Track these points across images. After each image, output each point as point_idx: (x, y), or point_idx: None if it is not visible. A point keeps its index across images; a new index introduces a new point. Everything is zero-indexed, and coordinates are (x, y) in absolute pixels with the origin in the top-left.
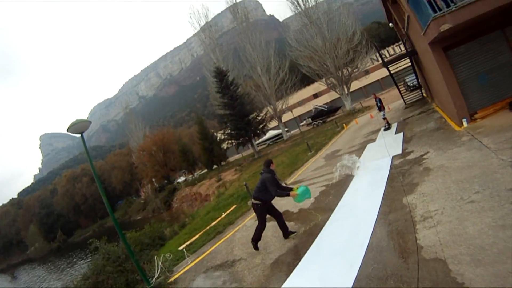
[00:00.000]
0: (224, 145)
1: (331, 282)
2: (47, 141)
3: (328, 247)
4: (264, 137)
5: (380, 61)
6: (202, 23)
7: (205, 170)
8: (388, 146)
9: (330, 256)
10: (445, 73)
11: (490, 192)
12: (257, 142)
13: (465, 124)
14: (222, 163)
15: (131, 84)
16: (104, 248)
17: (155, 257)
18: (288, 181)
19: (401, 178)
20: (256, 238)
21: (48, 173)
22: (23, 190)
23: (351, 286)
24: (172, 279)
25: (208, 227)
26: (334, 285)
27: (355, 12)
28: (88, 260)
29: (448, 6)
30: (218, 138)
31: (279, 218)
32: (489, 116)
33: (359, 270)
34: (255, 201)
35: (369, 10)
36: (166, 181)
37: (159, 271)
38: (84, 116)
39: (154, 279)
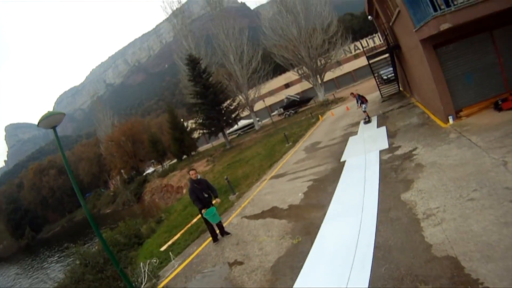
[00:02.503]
0: (195, 135)
1: (343, 283)
2: (13, 132)
3: (333, 247)
4: (235, 127)
5: (352, 53)
6: (175, 7)
7: (175, 161)
8: (372, 140)
9: (335, 255)
10: (434, 70)
11: (488, 190)
12: (228, 132)
13: (451, 121)
14: (193, 153)
15: (99, 71)
16: (81, 254)
17: (141, 263)
18: (269, 175)
19: (394, 174)
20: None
21: (14, 165)
22: None
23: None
24: (160, 286)
25: (189, 225)
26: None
27: (331, 1)
28: (58, 257)
29: (448, 6)
30: (188, 127)
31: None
32: (474, 114)
33: (371, 271)
34: None
35: (340, 0)
36: (135, 172)
37: (146, 278)
38: (51, 105)
39: (142, 287)
